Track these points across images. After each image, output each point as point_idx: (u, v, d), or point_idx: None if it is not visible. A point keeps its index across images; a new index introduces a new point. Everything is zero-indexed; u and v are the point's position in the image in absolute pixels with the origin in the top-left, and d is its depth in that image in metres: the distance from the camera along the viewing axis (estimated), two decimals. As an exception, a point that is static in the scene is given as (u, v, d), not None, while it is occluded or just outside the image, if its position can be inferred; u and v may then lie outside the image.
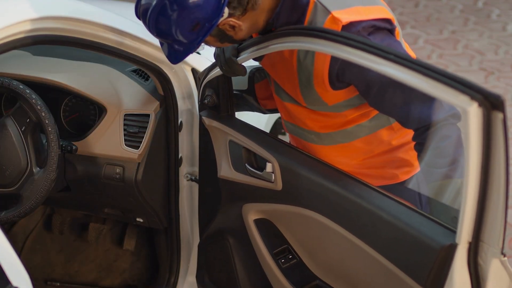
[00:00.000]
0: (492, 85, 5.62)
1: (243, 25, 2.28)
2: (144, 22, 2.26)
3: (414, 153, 2.50)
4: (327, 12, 2.24)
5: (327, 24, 2.23)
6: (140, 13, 2.26)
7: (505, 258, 1.97)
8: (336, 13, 2.23)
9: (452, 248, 2.01)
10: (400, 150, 2.50)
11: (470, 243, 1.98)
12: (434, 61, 6.01)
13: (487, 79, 5.73)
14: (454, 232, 2.03)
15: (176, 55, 2.32)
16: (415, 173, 2.54)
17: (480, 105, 1.82)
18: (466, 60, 6.03)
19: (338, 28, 2.22)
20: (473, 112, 1.83)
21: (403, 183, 2.53)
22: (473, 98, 1.82)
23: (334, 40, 2.09)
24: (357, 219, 2.30)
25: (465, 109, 1.84)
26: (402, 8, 7.03)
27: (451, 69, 5.87)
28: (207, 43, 2.36)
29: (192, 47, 2.28)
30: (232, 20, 2.26)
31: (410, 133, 2.49)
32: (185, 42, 2.26)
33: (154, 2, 2.19)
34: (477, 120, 1.83)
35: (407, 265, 2.18)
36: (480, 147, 1.86)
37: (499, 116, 1.82)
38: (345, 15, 2.23)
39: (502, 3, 7.02)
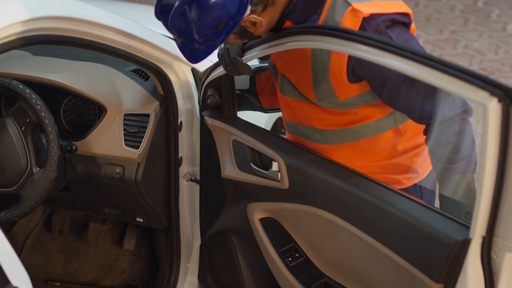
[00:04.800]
0: (492, 85, 5.62)
1: (263, 21, 2.28)
2: (165, 23, 2.24)
3: (419, 160, 2.51)
4: (347, 4, 2.24)
5: (347, 16, 2.23)
6: (160, 14, 2.23)
7: None
8: (356, 5, 2.23)
9: (465, 243, 2.02)
10: (404, 156, 2.50)
11: (484, 238, 1.99)
12: (434, 61, 6.00)
13: (487, 79, 5.72)
14: (467, 227, 2.03)
15: (198, 55, 2.30)
16: (420, 180, 2.54)
17: (500, 100, 1.83)
18: (466, 60, 6.03)
19: (358, 20, 2.22)
20: (493, 108, 1.84)
21: (406, 189, 2.52)
22: (492, 93, 1.83)
23: (340, 37, 2.09)
24: (367, 216, 2.30)
25: (485, 105, 1.84)
26: (402, 8, 7.02)
27: (451, 69, 5.86)
28: (227, 41, 2.35)
29: (214, 46, 2.27)
30: (254, 17, 2.25)
31: (415, 139, 2.49)
32: (207, 41, 2.24)
33: (177, 3, 2.17)
34: (497, 115, 1.84)
35: (419, 261, 2.18)
36: (498, 142, 1.87)
37: None
38: (366, 8, 2.24)
39: (502, 3, 7.03)
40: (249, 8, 2.22)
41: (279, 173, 2.50)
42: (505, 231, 1.95)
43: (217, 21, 2.19)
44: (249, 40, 2.37)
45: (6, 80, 2.66)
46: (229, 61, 2.47)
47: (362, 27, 2.22)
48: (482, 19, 6.72)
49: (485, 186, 1.92)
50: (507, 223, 1.94)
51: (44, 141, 2.72)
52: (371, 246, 2.30)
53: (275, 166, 2.51)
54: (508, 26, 6.60)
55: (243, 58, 2.45)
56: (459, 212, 2.17)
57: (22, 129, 2.67)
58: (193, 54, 2.30)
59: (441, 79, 1.91)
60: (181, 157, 2.89)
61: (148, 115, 2.83)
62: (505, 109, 1.83)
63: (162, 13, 2.22)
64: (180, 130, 2.86)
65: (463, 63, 5.97)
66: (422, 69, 1.94)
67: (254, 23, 2.28)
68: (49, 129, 2.63)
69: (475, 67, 5.90)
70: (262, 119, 3.25)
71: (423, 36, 6.39)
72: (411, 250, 2.21)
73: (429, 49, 6.19)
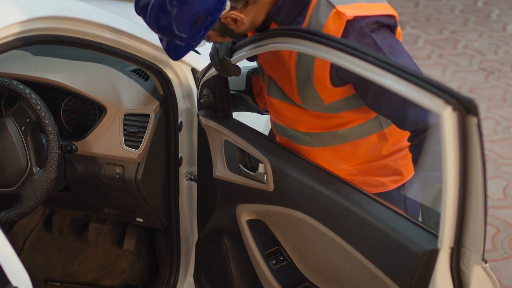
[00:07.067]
0: (492, 85, 5.63)
1: (245, 19, 2.25)
2: (144, 18, 2.23)
3: (404, 162, 2.49)
4: (331, 6, 2.22)
5: (331, 19, 2.21)
6: (140, 9, 2.23)
7: (487, 265, 1.95)
8: (340, 8, 2.21)
9: (434, 253, 2.00)
10: (389, 158, 2.49)
11: (452, 249, 1.97)
12: (434, 61, 6.01)
13: (487, 79, 5.73)
14: (437, 237, 2.01)
15: (178, 51, 2.28)
16: (404, 182, 2.53)
17: (454, 109, 1.81)
18: (466, 60, 6.03)
19: (342, 23, 2.20)
20: (447, 116, 1.82)
21: (390, 192, 2.51)
22: (447, 102, 1.81)
23: (322, 43, 2.07)
24: (345, 222, 2.29)
25: (439, 113, 1.83)
26: (402, 8, 7.04)
27: (451, 69, 5.87)
28: (209, 38, 2.33)
29: (193, 42, 2.24)
30: (234, 13, 2.23)
31: (400, 142, 2.48)
32: (187, 37, 2.22)
33: None
34: (452, 124, 1.83)
35: (391, 269, 2.17)
36: (457, 151, 1.85)
37: (473, 120, 1.81)
38: (350, 10, 2.21)
39: (502, 3, 7.03)
40: (229, 4, 2.19)
41: (265, 175, 2.50)
42: (472, 242, 1.94)
43: (195, 15, 2.17)
44: (232, 38, 2.35)
45: (6, 80, 2.66)
46: (218, 61, 2.46)
47: (345, 30, 2.19)
48: (482, 19, 6.73)
49: (449, 195, 1.90)
50: (473, 234, 1.92)
51: (44, 141, 2.72)
52: (348, 252, 2.29)
53: (261, 168, 2.50)
54: (508, 26, 6.60)
55: (232, 58, 2.43)
56: (437, 221, 2.16)
57: (22, 129, 2.67)
58: (174, 50, 2.28)
59: (400, 84, 1.90)
60: (181, 157, 2.90)
61: (148, 115, 2.83)
62: (460, 117, 1.82)
63: (142, 8, 2.21)
64: (180, 130, 2.86)
65: (463, 63, 5.97)
66: (382, 74, 1.93)
67: (235, 20, 2.25)
68: (49, 129, 2.63)
69: (475, 67, 5.90)
70: (261, 119, 3.25)
71: (423, 36, 6.39)
72: (384, 258, 2.20)
73: (429, 49, 6.19)
